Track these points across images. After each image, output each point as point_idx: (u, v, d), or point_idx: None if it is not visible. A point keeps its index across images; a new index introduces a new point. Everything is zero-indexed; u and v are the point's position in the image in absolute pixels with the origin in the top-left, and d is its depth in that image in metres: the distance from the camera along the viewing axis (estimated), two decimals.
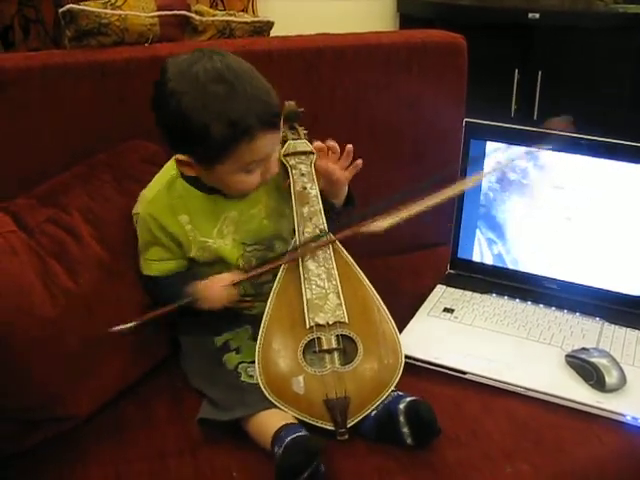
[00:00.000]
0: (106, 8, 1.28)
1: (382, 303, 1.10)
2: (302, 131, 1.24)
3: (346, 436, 0.97)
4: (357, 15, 2.52)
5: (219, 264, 1.15)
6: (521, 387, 1.10)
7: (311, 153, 1.20)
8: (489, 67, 2.11)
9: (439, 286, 1.36)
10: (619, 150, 1.23)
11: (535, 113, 2.32)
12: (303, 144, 1.21)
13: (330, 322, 1.05)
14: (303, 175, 1.16)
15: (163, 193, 1.12)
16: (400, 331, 1.19)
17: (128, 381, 1.11)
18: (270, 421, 0.97)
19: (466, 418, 1.05)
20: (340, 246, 1.14)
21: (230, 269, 1.14)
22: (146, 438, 1.03)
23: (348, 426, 0.98)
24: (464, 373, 1.13)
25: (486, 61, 1.91)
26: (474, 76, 1.57)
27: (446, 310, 1.28)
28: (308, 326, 1.04)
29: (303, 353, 1.02)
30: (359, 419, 0.99)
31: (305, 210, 1.14)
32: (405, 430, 0.97)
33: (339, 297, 1.07)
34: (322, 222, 1.13)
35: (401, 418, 0.97)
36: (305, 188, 1.16)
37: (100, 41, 1.29)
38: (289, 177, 1.17)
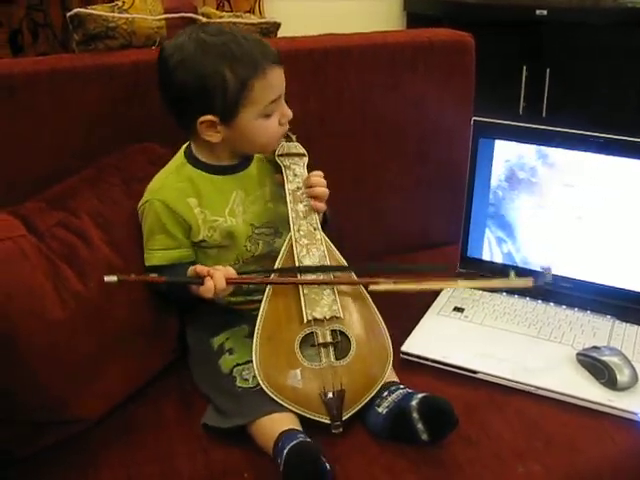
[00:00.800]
0: (113, 12, 1.28)
1: (370, 299, 1.12)
2: (292, 135, 1.27)
3: (340, 429, 0.99)
4: (364, 14, 2.52)
5: (225, 249, 1.16)
6: (532, 386, 1.09)
7: (304, 155, 1.24)
8: (497, 65, 2.10)
9: None
10: (629, 147, 1.23)
11: (544, 110, 2.31)
12: (296, 146, 1.25)
13: (327, 317, 1.06)
14: (296, 176, 1.20)
15: (171, 178, 1.16)
16: (410, 330, 1.20)
17: (137, 383, 1.11)
18: (269, 427, 0.98)
19: (477, 417, 1.05)
20: (332, 246, 1.16)
21: (236, 254, 1.16)
22: (156, 440, 1.03)
23: (343, 419, 0.99)
24: (475, 372, 1.13)
25: (494, 59, 1.91)
26: (482, 74, 1.56)
27: (456, 309, 1.28)
28: (306, 320, 1.05)
29: (300, 347, 1.04)
30: (353, 413, 1.01)
31: (300, 208, 1.16)
32: (420, 426, 0.97)
33: (334, 293, 1.09)
34: (315, 221, 1.16)
35: (415, 414, 0.97)
36: (299, 188, 1.18)
37: (108, 44, 1.29)
38: (282, 175, 1.20)
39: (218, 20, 1.37)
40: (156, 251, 1.14)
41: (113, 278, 1.00)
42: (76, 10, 1.26)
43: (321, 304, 1.07)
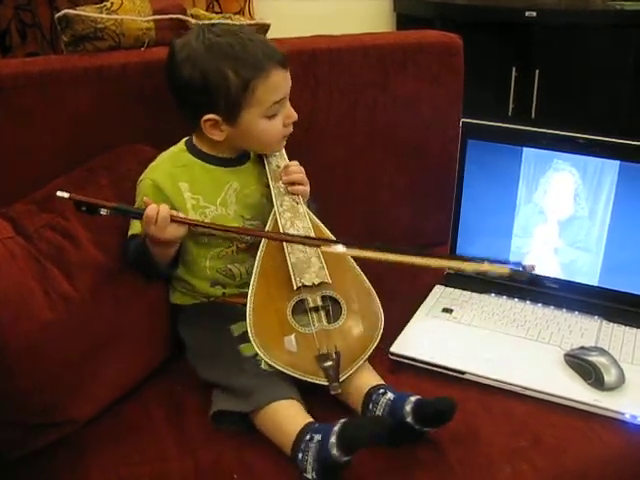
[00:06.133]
0: (102, 13, 1.28)
1: (357, 266, 1.16)
2: None
3: (339, 390, 1.01)
4: (353, 15, 2.52)
5: (215, 238, 1.16)
6: (520, 386, 1.10)
7: None
8: (486, 66, 2.11)
9: (438, 286, 1.37)
10: (617, 149, 1.23)
11: (533, 112, 2.32)
12: None
13: (316, 282, 1.09)
14: (275, 156, 1.23)
15: (167, 162, 1.18)
16: (399, 331, 1.21)
17: (128, 384, 1.11)
18: (275, 414, 0.98)
19: (465, 418, 1.05)
20: (317, 220, 1.19)
21: (228, 242, 1.16)
22: (147, 441, 1.03)
23: (340, 380, 1.01)
24: (463, 373, 1.13)
25: (483, 60, 1.92)
26: (471, 75, 1.57)
27: (445, 310, 1.28)
28: (295, 287, 1.08)
29: (292, 314, 1.06)
30: (350, 373, 1.03)
31: (281, 185, 1.20)
32: (417, 427, 0.97)
33: (320, 260, 1.12)
34: (298, 197, 1.19)
35: (409, 419, 0.97)
36: (279, 167, 1.21)
37: (96, 46, 1.29)
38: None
39: (208, 22, 1.37)
40: (137, 221, 1.12)
41: (65, 194, 1.01)
42: (64, 11, 1.26)
43: (309, 271, 1.10)
